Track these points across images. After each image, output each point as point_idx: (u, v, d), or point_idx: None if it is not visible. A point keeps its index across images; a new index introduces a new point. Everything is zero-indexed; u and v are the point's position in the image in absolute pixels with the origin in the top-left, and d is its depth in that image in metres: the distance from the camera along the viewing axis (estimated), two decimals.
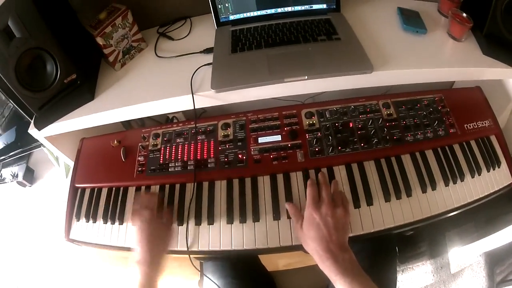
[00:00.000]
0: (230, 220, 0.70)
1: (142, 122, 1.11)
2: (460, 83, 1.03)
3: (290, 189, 0.72)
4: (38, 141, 0.90)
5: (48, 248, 1.20)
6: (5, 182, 1.29)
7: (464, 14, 0.81)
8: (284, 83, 0.73)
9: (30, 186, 1.23)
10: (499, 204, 0.96)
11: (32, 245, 1.24)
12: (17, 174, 1.25)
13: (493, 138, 0.80)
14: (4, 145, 1.25)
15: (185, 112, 1.10)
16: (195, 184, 0.74)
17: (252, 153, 0.76)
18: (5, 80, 0.73)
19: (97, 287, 1.23)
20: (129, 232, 0.75)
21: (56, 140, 0.93)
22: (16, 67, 0.72)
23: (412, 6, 0.91)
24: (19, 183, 1.22)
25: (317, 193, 0.65)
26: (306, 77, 0.72)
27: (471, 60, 0.79)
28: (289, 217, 0.69)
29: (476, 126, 0.80)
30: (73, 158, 0.97)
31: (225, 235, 0.69)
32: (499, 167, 0.76)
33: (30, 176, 1.22)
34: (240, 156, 0.76)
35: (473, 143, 0.78)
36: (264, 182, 0.73)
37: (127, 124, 1.11)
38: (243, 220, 0.69)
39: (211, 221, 0.71)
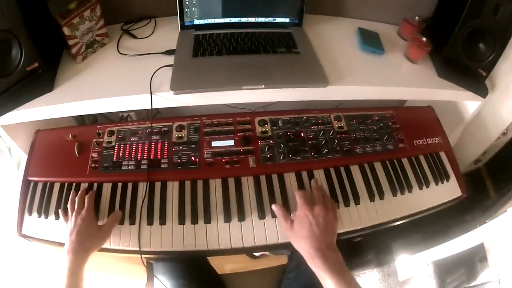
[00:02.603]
0: (182, 221, 0.71)
1: (95, 119, 1.08)
2: (413, 102, 1.10)
3: (241, 193, 0.73)
4: None
5: None
6: None
7: (424, 39, 0.86)
8: (241, 90, 0.75)
9: None
10: (447, 217, 1.02)
11: None
12: None
13: (442, 154, 0.86)
14: None
15: (137, 112, 1.10)
16: (148, 183, 0.74)
17: (205, 156, 0.77)
18: None
19: (45, 283, 1.19)
20: None
21: (11, 129, 0.90)
22: None
23: (373, 27, 0.96)
24: None
25: (308, 196, 0.68)
26: (264, 86, 0.75)
27: (426, 81, 0.85)
28: (240, 220, 0.70)
29: (426, 142, 0.86)
30: (27, 150, 0.94)
31: (176, 236, 0.70)
32: (448, 181, 0.82)
33: None
34: (193, 158, 0.77)
35: (421, 157, 0.84)
36: (216, 185, 0.74)
37: (81, 119, 1.09)
38: (194, 221, 0.70)
39: (163, 221, 0.71)
